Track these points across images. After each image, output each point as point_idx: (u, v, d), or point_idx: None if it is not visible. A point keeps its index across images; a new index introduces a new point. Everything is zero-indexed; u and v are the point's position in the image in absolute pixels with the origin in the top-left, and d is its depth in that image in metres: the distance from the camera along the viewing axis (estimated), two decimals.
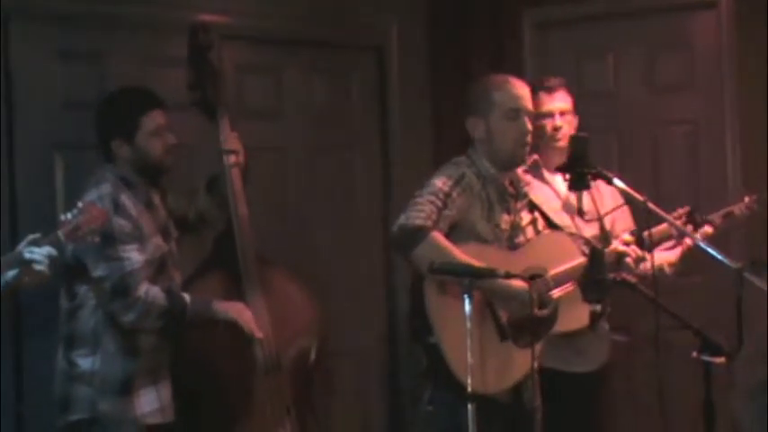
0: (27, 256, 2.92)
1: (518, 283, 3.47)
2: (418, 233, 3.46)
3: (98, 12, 4.27)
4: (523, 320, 3.51)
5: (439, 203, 3.52)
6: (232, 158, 3.88)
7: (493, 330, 3.54)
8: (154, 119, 3.73)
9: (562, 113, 4.10)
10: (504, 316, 3.55)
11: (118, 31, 4.33)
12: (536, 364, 3.69)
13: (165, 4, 4.46)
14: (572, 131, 4.06)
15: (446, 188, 3.55)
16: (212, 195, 3.97)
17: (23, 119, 4.12)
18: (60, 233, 3.02)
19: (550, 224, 3.82)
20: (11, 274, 2.93)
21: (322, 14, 4.90)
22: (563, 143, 4.09)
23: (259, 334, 3.80)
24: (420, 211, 3.50)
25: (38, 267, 2.93)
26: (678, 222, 3.89)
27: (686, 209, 3.98)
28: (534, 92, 3.97)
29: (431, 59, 5.23)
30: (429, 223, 3.48)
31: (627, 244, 3.81)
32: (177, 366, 3.73)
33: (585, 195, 4.01)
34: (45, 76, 4.19)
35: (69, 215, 3.08)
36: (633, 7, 4.96)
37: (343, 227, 5.03)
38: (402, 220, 3.52)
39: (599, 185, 3.91)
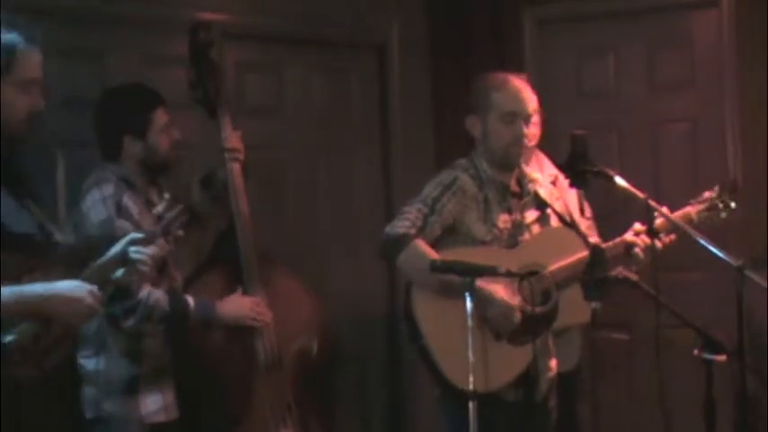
0: (134, 256, 2.83)
1: (502, 293, 3.48)
2: (401, 241, 3.53)
3: (99, 10, 4.26)
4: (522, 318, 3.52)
5: (426, 210, 3.57)
6: (233, 157, 3.89)
7: (486, 329, 3.53)
8: (163, 115, 3.75)
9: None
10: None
11: (118, 29, 4.32)
12: (553, 364, 3.70)
13: (165, 2, 4.45)
14: (539, 130, 4.10)
15: (435, 193, 3.60)
16: (206, 190, 3.96)
17: None
18: (158, 230, 2.92)
19: (563, 220, 3.76)
20: (119, 272, 2.85)
21: (322, 13, 4.90)
22: (532, 143, 4.10)
23: (265, 322, 3.80)
24: (405, 220, 3.56)
25: (143, 268, 2.86)
26: (703, 205, 3.86)
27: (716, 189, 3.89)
28: None
29: (431, 59, 5.23)
30: (412, 231, 3.53)
31: (637, 234, 3.77)
32: (179, 364, 3.73)
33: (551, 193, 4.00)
34: (45, 75, 4.16)
35: (160, 208, 2.97)
36: (634, 5, 4.97)
37: (343, 226, 5.03)
38: (387, 229, 3.59)
39: (560, 182, 3.88)
